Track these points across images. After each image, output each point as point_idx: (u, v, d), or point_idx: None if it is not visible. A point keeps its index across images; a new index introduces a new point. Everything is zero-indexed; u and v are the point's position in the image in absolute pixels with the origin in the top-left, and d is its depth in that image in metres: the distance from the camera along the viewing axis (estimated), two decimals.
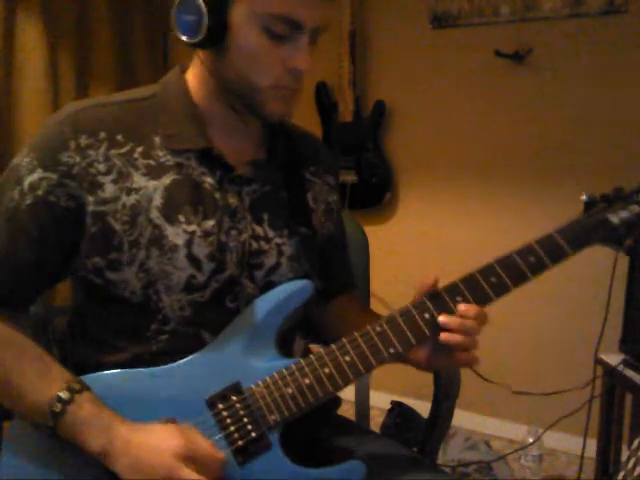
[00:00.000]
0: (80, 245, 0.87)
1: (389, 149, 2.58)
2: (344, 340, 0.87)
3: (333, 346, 0.87)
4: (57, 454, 0.84)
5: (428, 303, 0.87)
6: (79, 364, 0.90)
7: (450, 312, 0.86)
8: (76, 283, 0.94)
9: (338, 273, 1.12)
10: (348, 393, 1.30)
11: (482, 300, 0.87)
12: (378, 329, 0.86)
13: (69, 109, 0.89)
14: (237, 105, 0.90)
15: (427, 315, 0.86)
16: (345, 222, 1.17)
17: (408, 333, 0.86)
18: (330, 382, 0.85)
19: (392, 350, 0.86)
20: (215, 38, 0.83)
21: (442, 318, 0.85)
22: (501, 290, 0.87)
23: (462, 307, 0.85)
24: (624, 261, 1.71)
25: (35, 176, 0.85)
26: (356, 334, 0.87)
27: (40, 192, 0.85)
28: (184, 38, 0.84)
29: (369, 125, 2.54)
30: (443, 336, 0.85)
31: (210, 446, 0.81)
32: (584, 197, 0.92)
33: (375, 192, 2.56)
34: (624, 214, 0.89)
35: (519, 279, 0.87)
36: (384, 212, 2.62)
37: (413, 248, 2.57)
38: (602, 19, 2.16)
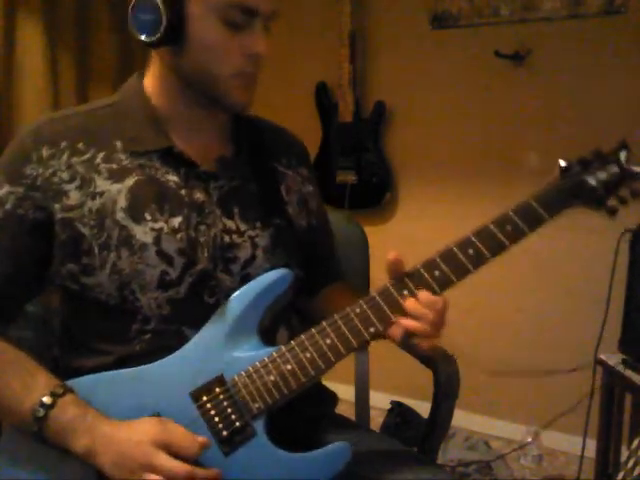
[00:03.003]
0: (53, 253, 0.88)
1: (389, 149, 2.58)
2: (324, 323, 0.87)
3: (313, 330, 0.87)
4: (52, 457, 0.84)
5: (406, 280, 0.86)
6: (69, 368, 0.92)
7: (429, 287, 0.85)
8: (56, 292, 0.95)
9: (324, 264, 1.12)
10: (348, 393, 1.30)
11: (460, 273, 0.86)
12: (357, 310, 0.86)
13: (31, 124, 0.92)
14: (200, 100, 0.91)
15: (406, 292, 0.86)
16: (345, 222, 1.18)
17: (388, 311, 0.86)
18: (312, 366, 0.86)
19: (372, 329, 0.86)
20: (174, 34, 0.85)
21: (407, 303, 0.84)
22: (479, 262, 0.86)
23: (422, 295, 0.84)
24: (624, 261, 1.71)
25: (3, 191, 0.88)
26: (336, 316, 0.87)
27: (8, 206, 0.87)
28: (143, 38, 0.85)
29: (369, 125, 2.54)
30: (403, 322, 0.84)
31: (187, 432, 0.81)
32: (562, 162, 0.89)
33: (375, 192, 2.56)
34: (602, 175, 0.87)
35: (497, 249, 0.86)
36: (384, 212, 2.63)
37: (413, 248, 2.55)
38: (601, 19, 2.16)
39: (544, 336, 2.35)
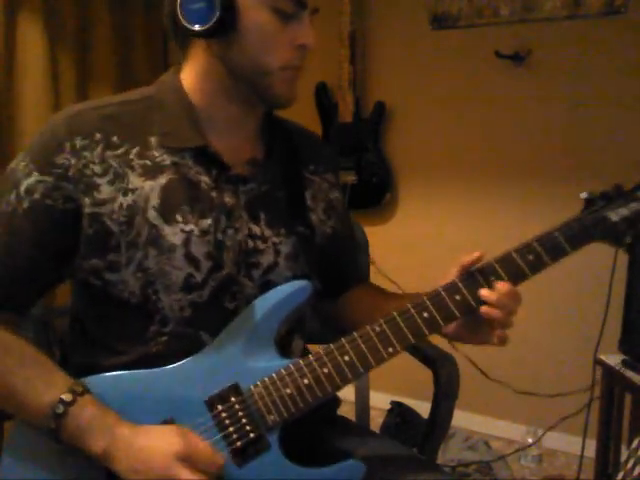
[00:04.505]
0: (78, 247, 0.87)
1: (389, 149, 2.58)
2: (343, 340, 0.87)
3: (332, 346, 0.87)
4: (58, 456, 0.84)
5: (427, 302, 0.87)
6: (80, 366, 0.90)
7: (450, 310, 0.87)
8: (76, 286, 0.94)
9: (346, 268, 1.12)
10: (348, 393, 1.30)
11: (481, 299, 0.87)
12: (377, 329, 0.87)
13: (64, 112, 0.90)
14: (243, 94, 0.90)
15: (426, 314, 0.87)
16: None
17: (407, 333, 0.86)
18: (329, 382, 0.85)
19: (391, 350, 0.86)
20: (226, 24, 0.84)
21: (483, 292, 0.86)
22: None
23: (498, 285, 0.86)
24: (624, 262, 1.71)
25: (31, 180, 0.85)
26: (355, 334, 0.87)
27: (37, 196, 0.85)
28: (195, 28, 0.84)
29: (369, 126, 2.54)
30: (483, 309, 0.85)
31: (208, 447, 0.81)
32: (584, 195, 0.91)
33: (375, 192, 2.56)
34: (624, 211, 0.89)
35: (518, 278, 0.87)
36: (384, 212, 2.63)
37: (413, 248, 2.57)
38: (601, 20, 2.16)
39: (544, 337, 2.35)
